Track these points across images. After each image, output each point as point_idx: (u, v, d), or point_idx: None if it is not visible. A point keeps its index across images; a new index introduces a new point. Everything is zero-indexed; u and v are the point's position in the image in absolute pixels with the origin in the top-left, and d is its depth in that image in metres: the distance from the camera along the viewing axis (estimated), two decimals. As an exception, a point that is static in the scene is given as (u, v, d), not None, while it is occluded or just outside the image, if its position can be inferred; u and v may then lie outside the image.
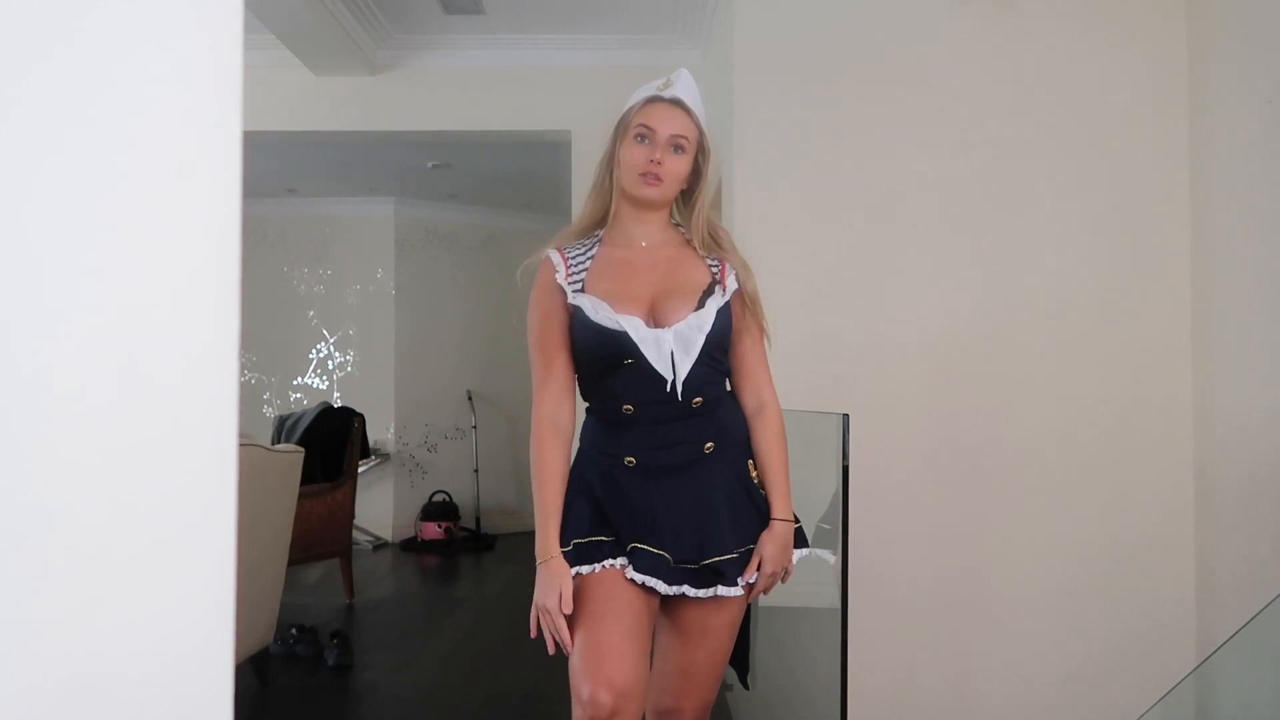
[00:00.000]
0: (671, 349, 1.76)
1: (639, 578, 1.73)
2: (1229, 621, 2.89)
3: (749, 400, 1.93)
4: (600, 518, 1.79)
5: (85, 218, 0.50)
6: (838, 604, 2.13)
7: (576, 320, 1.80)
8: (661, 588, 1.73)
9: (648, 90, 1.88)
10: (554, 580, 1.72)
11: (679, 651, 1.82)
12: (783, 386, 3.17)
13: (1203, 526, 3.13)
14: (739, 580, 1.78)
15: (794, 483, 2.67)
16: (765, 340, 1.95)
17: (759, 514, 1.86)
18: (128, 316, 0.52)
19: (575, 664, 1.70)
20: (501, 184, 6.86)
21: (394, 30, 4.76)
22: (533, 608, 1.74)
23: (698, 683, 1.82)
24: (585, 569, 1.75)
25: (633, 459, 1.78)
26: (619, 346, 1.76)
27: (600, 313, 1.77)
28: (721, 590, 1.76)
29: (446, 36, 4.82)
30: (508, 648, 4.32)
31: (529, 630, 1.76)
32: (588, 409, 1.91)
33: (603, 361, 1.79)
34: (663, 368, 1.76)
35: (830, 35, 3.35)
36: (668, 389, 1.76)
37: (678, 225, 1.94)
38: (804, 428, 2.60)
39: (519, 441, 7.70)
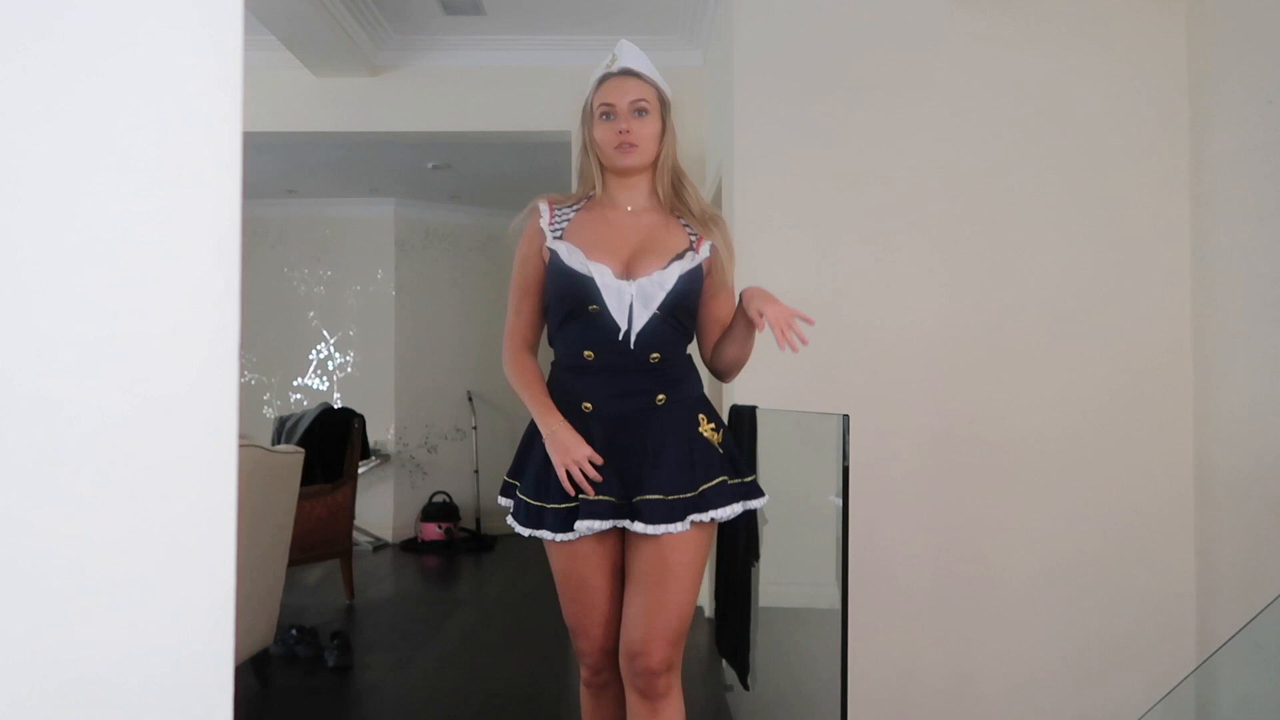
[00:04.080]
0: (632, 301, 1.88)
1: (583, 525, 1.85)
2: (1229, 616, 2.89)
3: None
4: (545, 476, 1.91)
5: (85, 218, 0.50)
6: (838, 604, 2.13)
7: (551, 264, 1.94)
8: (596, 525, 1.85)
9: (598, 72, 2.01)
10: (568, 437, 1.87)
11: (640, 593, 1.88)
12: (783, 387, 3.18)
13: (1203, 524, 3.13)
14: (687, 518, 1.85)
15: (794, 482, 2.67)
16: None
17: (708, 462, 1.91)
18: (127, 317, 0.52)
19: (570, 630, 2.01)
20: (501, 184, 6.86)
21: (394, 31, 4.76)
22: (560, 469, 1.86)
23: (660, 623, 1.86)
24: (524, 530, 1.93)
25: (589, 404, 1.90)
26: (585, 291, 1.89)
27: (574, 258, 1.91)
28: (639, 527, 1.83)
29: (446, 37, 4.82)
30: (508, 648, 4.32)
31: (572, 493, 1.88)
32: (553, 361, 2.01)
33: (570, 305, 1.91)
34: (619, 316, 1.88)
35: (830, 37, 3.35)
36: (620, 337, 1.87)
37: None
38: (804, 428, 2.60)
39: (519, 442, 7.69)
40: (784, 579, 2.71)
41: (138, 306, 0.52)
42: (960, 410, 3.24)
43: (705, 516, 1.87)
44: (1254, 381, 2.84)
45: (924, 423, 3.24)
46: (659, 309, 1.89)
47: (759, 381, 3.23)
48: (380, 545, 7.20)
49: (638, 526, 1.83)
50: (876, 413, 3.14)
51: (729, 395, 3.45)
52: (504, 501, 2.03)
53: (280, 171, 6.58)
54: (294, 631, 4.16)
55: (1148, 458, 3.20)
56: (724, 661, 3.06)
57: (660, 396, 1.91)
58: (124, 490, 0.52)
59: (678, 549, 1.86)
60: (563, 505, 1.89)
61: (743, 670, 2.64)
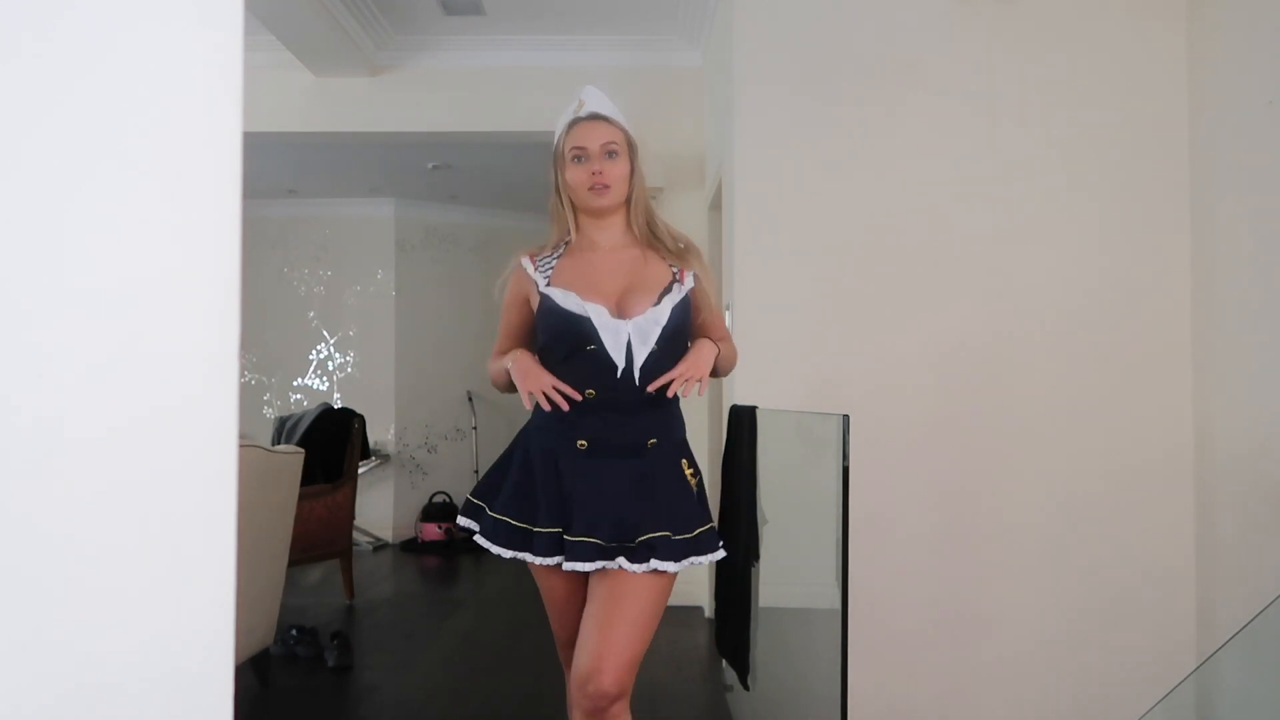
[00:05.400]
0: (630, 339, 1.93)
1: (569, 566, 1.90)
2: (1228, 598, 2.89)
3: None
4: (528, 501, 1.97)
5: (85, 218, 0.50)
6: (838, 604, 2.13)
7: (545, 306, 1.99)
8: (581, 567, 1.90)
9: (566, 117, 2.08)
10: (532, 363, 1.96)
11: (599, 616, 1.91)
12: (784, 387, 3.18)
13: (1203, 519, 3.13)
14: (686, 559, 1.92)
15: (793, 482, 2.67)
16: (725, 314, 2.17)
17: (688, 505, 1.98)
18: (127, 317, 0.52)
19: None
20: (501, 184, 6.86)
21: (394, 31, 4.76)
22: (525, 395, 1.94)
23: (615, 643, 1.87)
24: (505, 552, 1.97)
25: (584, 442, 1.94)
26: (582, 331, 1.94)
27: (569, 300, 1.96)
28: (655, 563, 1.88)
29: (446, 37, 4.82)
30: (507, 648, 4.32)
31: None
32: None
33: (567, 345, 1.95)
34: (617, 355, 1.93)
35: (830, 37, 3.35)
36: (618, 375, 1.92)
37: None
38: (804, 428, 2.60)
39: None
40: (784, 579, 2.71)
41: (138, 307, 0.52)
42: (961, 410, 3.24)
43: (703, 559, 1.94)
44: (1253, 380, 2.85)
45: (924, 423, 3.24)
46: (657, 344, 1.94)
47: (759, 381, 3.23)
48: (380, 545, 7.20)
49: (654, 564, 1.88)
50: (877, 413, 3.14)
51: (729, 395, 3.45)
52: (466, 522, 2.06)
53: (280, 172, 6.57)
54: (294, 631, 4.16)
55: (1148, 458, 3.20)
56: (724, 661, 3.06)
57: (652, 440, 1.96)
58: (124, 491, 0.52)
59: (661, 583, 1.92)
60: (549, 530, 1.93)
61: (743, 670, 2.63)
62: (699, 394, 1.98)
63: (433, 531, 7.11)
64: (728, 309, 3.57)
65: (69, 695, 0.50)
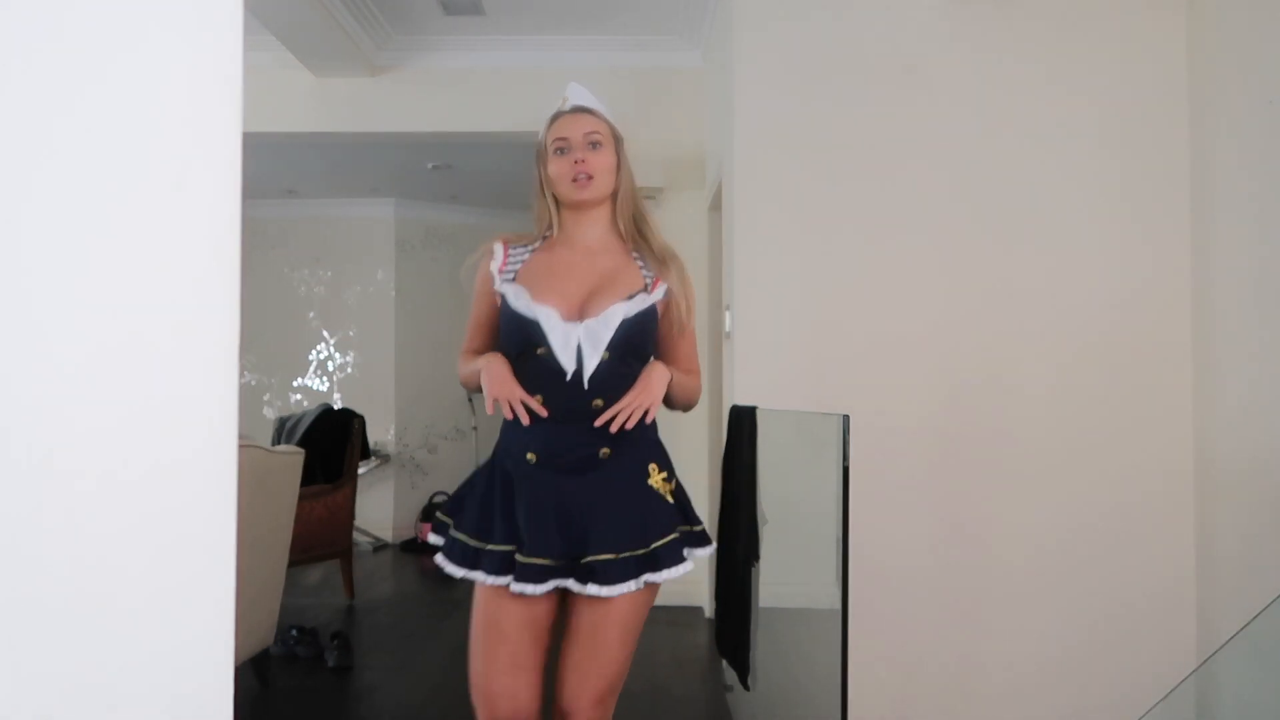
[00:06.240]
0: (580, 343, 1.84)
1: (516, 588, 1.79)
2: (1229, 611, 2.89)
3: None
4: (489, 518, 1.87)
5: (84, 219, 0.50)
6: (838, 604, 2.13)
7: (502, 306, 1.91)
8: (530, 589, 1.78)
9: (549, 112, 2.03)
10: (503, 370, 1.86)
11: (569, 650, 1.86)
12: (784, 387, 3.18)
13: (1203, 518, 3.13)
14: (641, 576, 1.80)
15: (794, 482, 2.67)
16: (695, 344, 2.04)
17: (659, 515, 1.87)
18: (128, 317, 0.52)
19: (473, 686, 1.87)
20: (501, 185, 6.86)
21: (394, 31, 4.76)
22: (489, 399, 1.85)
23: (587, 683, 1.83)
24: (456, 571, 1.85)
25: (533, 455, 1.84)
26: (531, 333, 1.85)
27: (520, 301, 1.88)
28: (593, 589, 1.78)
29: (446, 37, 4.82)
30: (508, 648, 4.32)
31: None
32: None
33: (517, 347, 1.87)
34: (565, 358, 1.83)
35: (830, 38, 3.35)
36: (567, 378, 1.83)
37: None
38: (804, 428, 2.60)
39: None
40: (784, 579, 2.71)
41: (138, 307, 0.52)
42: (961, 410, 3.24)
43: (659, 576, 1.81)
44: (1253, 380, 2.84)
45: (924, 422, 3.24)
46: (608, 350, 1.84)
47: (759, 382, 3.24)
48: (380, 546, 7.20)
49: (590, 589, 1.77)
50: (877, 412, 3.14)
51: (729, 396, 3.45)
52: (435, 539, 1.94)
53: (280, 172, 6.58)
54: (294, 632, 4.16)
55: (1148, 459, 3.20)
56: (724, 661, 3.06)
57: (604, 450, 1.84)
58: (125, 490, 0.52)
59: (621, 607, 1.81)
60: (500, 548, 1.83)
61: (743, 670, 2.64)
62: (645, 421, 1.85)
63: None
64: (727, 309, 3.57)
65: (70, 695, 0.50)
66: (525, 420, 1.82)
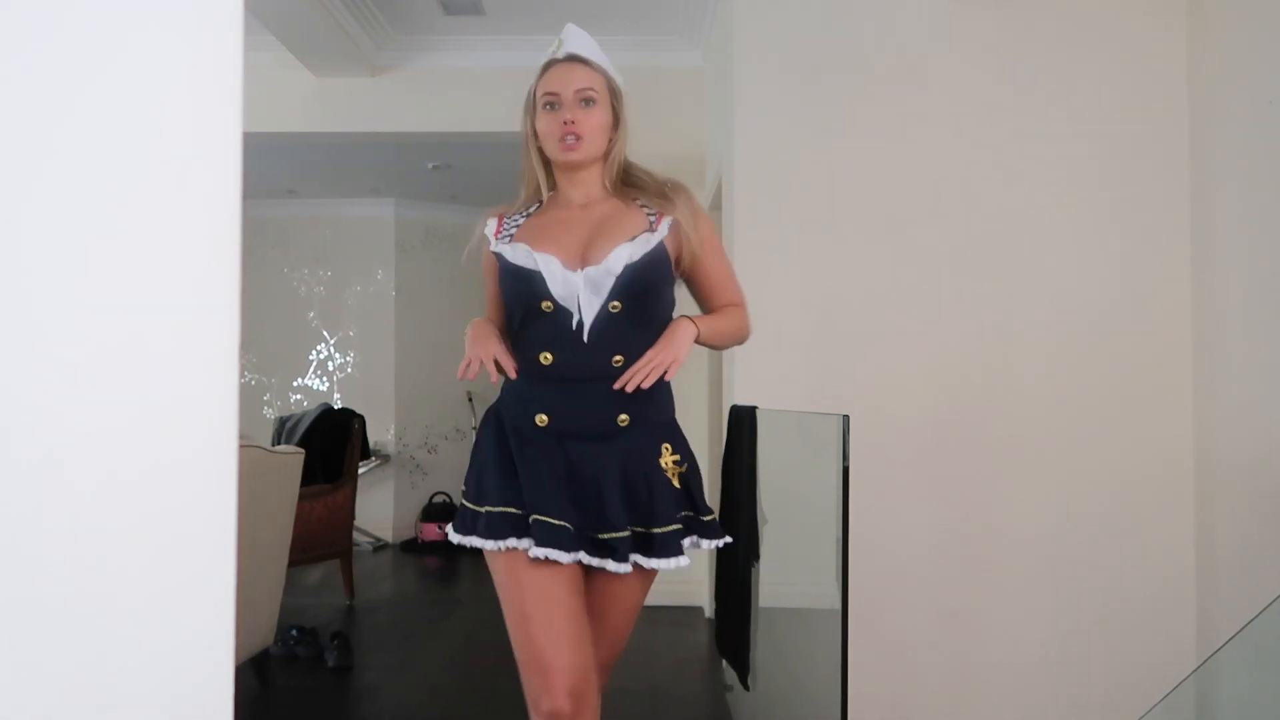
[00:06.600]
0: (579, 290, 1.72)
1: (539, 552, 1.66)
2: (1229, 608, 2.89)
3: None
4: (511, 480, 1.74)
5: (84, 218, 0.50)
6: (838, 604, 2.13)
7: (501, 267, 1.81)
8: (557, 556, 1.66)
9: (543, 59, 1.86)
10: (489, 330, 1.81)
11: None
12: (784, 387, 3.18)
13: (1202, 517, 3.13)
14: (630, 558, 1.70)
15: (794, 483, 2.67)
16: (728, 262, 1.96)
17: (665, 501, 1.75)
18: (128, 318, 0.52)
19: (524, 667, 1.71)
20: (502, 185, 6.84)
21: (394, 31, 4.76)
22: (464, 362, 1.77)
23: (598, 653, 1.78)
24: (490, 545, 1.71)
25: (545, 416, 1.73)
26: (534, 286, 1.74)
27: (518, 254, 1.77)
28: (611, 565, 1.69)
29: (446, 37, 4.82)
30: (507, 649, 4.31)
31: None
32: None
33: (523, 302, 1.76)
34: (572, 307, 1.73)
35: (830, 38, 3.35)
36: (573, 325, 1.72)
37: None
38: (804, 428, 2.60)
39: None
40: (784, 579, 2.71)
41: (138, 307, 0.52)
42: (961, 409, 3.24)
43: (657, 564, 1.71)
44: (1253, 378, 2.84)
45: (925, 422, 3.24)
46: (618, 300, 1.72)
47: (759, 381, 3.24)
48: (380, 546, 7.20)
49: (610, 565, 1.68)
50: (877, 412, 3.14)
51: (729, 395, 3.45)
52: (458, 539, 1.82)
53: (280, 172, 6.58)
54: (294, 632, 4.16)
55: (1148, 459, 3.20)
56: (724, 661, 3.06)
57: (623, 417, 1.72)
58: (125, 491, 0.52)
59: (631, 583, 1.76)
60: (497, 509, 1.70)
61: (743, 670, 2.63)
62: (665, 378, 1.73)
63: (433, 532, 7.11)
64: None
65: (70, 695, 0.50)
66: (494, 377, 1.74)
